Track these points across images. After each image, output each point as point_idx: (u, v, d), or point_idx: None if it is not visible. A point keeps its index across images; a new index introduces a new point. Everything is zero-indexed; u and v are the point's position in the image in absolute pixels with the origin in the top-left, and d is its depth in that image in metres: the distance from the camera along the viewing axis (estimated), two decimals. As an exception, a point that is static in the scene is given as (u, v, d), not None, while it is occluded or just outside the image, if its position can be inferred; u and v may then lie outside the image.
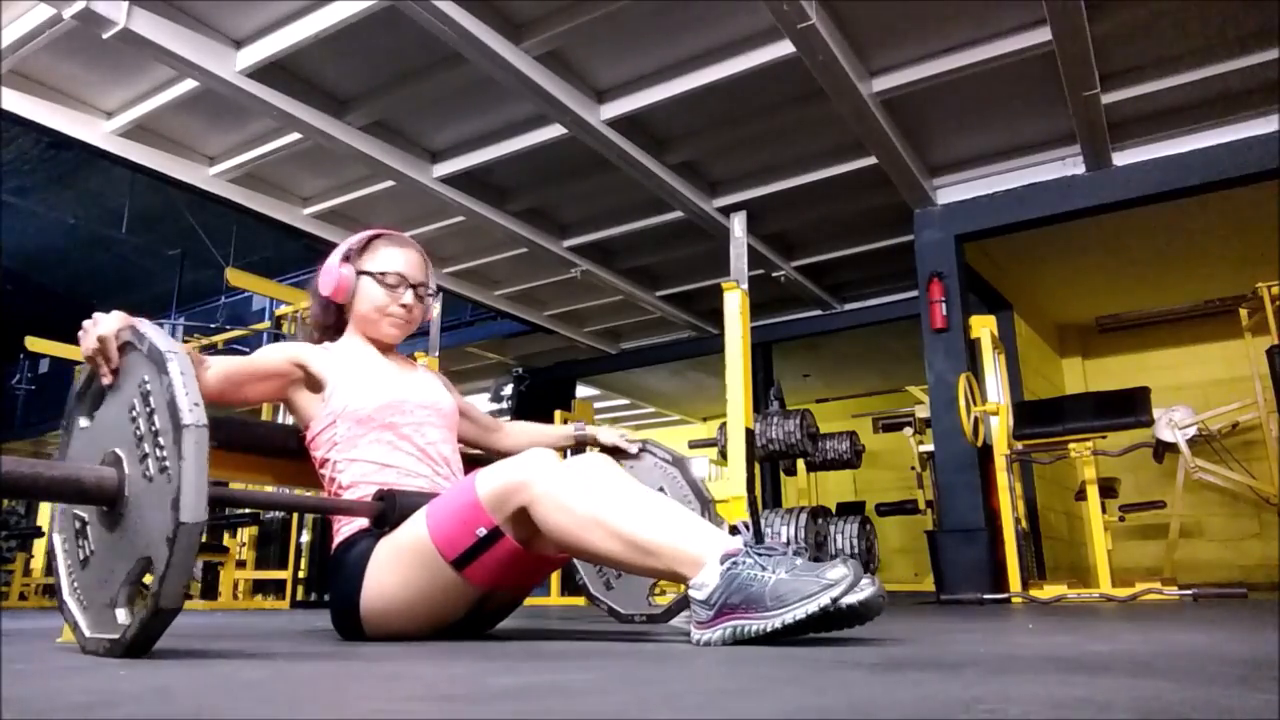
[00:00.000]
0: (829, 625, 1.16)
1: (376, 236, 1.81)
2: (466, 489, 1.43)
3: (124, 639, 1.09)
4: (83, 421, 1.28)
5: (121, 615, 1.12)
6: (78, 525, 1.23)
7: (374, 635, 1.50)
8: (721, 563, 1.23)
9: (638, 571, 1.39)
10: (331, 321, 1.82)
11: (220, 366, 1.56)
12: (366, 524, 1.52)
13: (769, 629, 1.15)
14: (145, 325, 1.18)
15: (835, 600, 1.11)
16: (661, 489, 2.12)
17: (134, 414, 1.14)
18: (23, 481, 1.09)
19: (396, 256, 1.79)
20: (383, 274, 1.76)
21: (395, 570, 1.44)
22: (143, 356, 1.14)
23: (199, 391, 1.08)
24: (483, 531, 1.38)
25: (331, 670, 1.02)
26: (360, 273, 1.76)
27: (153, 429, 1.10)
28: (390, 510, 1.48)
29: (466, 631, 1.57)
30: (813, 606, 1.12)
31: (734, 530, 1.36)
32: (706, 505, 2.15)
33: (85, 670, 0.98)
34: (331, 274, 1.75)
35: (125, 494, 1.13)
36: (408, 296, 1.77)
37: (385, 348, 1.83)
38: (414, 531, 1.45)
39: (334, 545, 1.58)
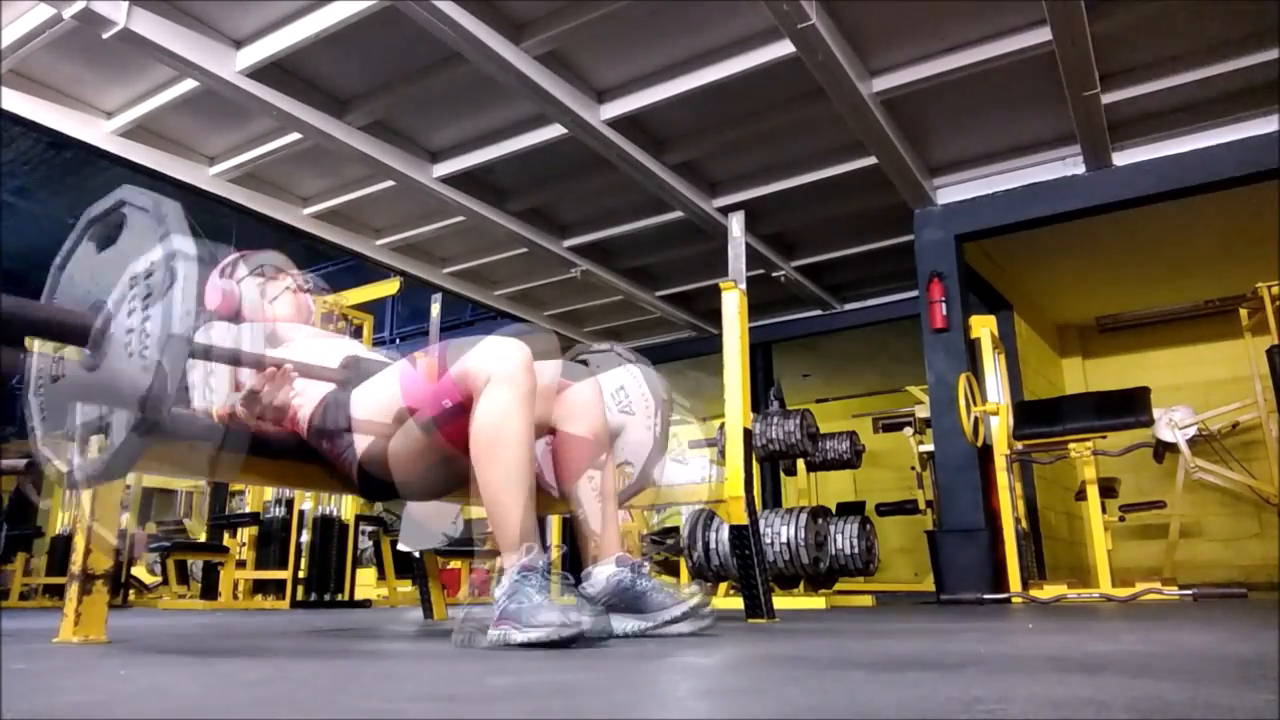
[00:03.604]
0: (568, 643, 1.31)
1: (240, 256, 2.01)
2: (441, 365, 1.54)
3: (106, 457, 1.19)
4: (81, 253, 1.41)
5: (97, 442, 1.23)
6: (54, 376, 1.34)
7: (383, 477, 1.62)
8: (518, 572, 1.36)
9: (487, 509, 1.44)
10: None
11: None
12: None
13: (518, 641, 1.31)
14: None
15: (562, 637, 1.29)
16: (622, 387, 2.22)
17: (133, 275, 1.25)
18: (15, 318, 1.22)
19: (262, 255, 2.01)
20: (259, 268, 1.97)
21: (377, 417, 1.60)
22: (153, 222, 1.25)
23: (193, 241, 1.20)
24: (448, 404, 1.50)
25: (331, 670, 1.02)
26: (240, 280, 1.96)
27: (148, 271, 1.22)
28: (356, 376, 1.64)
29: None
30: (541, 634, 1.29)
31: (620, 562, 1.52)
32: (660, 405, 2.16)
33: (85, 670, 0.98)
34: (214, 289, 1.91)
35: (109, 333, 1.24)
36: (288, 281, 1.99)
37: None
38: (388, 389, 1.61)
39: (307, 425, 1.69)
